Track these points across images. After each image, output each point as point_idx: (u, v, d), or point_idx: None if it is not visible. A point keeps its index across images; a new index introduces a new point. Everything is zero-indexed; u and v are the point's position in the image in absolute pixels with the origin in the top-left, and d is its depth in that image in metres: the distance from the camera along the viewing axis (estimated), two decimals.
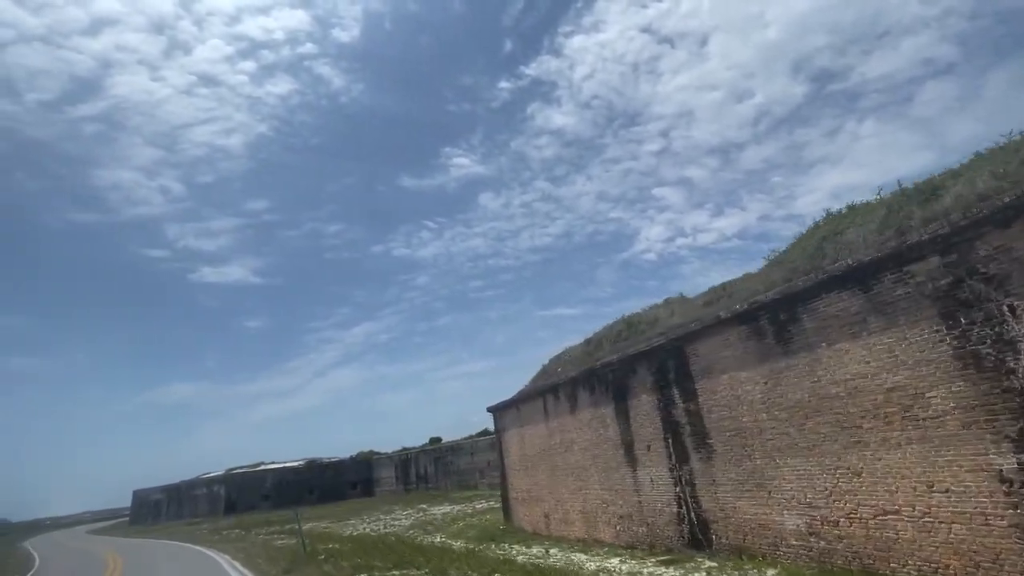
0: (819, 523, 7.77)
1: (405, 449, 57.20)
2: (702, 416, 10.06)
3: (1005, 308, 5.72)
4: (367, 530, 23.93)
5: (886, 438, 6.87)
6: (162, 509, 63.38)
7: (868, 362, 7.07)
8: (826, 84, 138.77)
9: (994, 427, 5.82)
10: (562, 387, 15.29)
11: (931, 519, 6.43)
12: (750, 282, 10.70)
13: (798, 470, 8.09)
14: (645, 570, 9.84)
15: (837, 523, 7.51)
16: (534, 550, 13.78)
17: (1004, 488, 5.75)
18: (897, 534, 6.79)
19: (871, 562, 7.05)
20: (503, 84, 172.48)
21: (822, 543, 7.73)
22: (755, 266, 11.94)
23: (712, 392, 9.83)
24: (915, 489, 6.58)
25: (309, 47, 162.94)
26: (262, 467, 58.27)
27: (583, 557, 12.03)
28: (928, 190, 7.50)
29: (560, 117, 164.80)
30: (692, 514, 10.30)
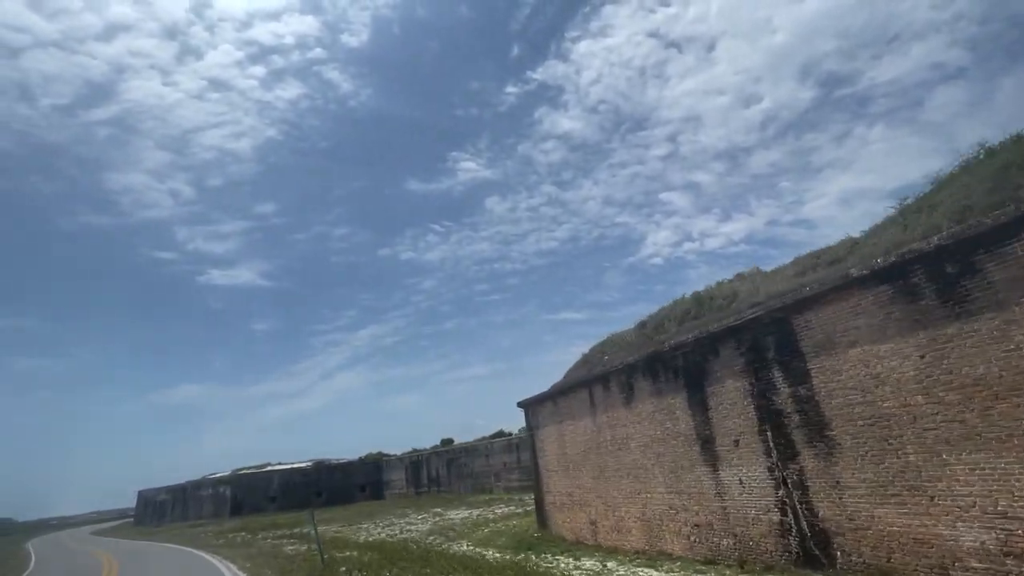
0: (1021, 540, 5.80)
1: (416, 450, 55.30)
2: (818, 402, 8.12)
3: None
4: (383, 535, 22.05)
5: None
6: (167, 510, 61.83)
7: None
8: (835, 89, 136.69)
9: None
10: (614, 376, 13.38)
11: None
12: (871, 242, 8.77)
13: (982, 468, 6.13)
14: None
15: None
16: (587, 563, 11.84)
17: None
18: None
19: None
20: (510, 89, 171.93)
21: None
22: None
23: (834, 372, 7.89)
24: None
25: (318, 52, 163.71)
26: (268, 468, 56.58)
27: (654, 574, 10.09)
28: None
29: (567, 121, 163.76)
30: (803, 524, 8.34)
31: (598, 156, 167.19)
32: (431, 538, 19.83)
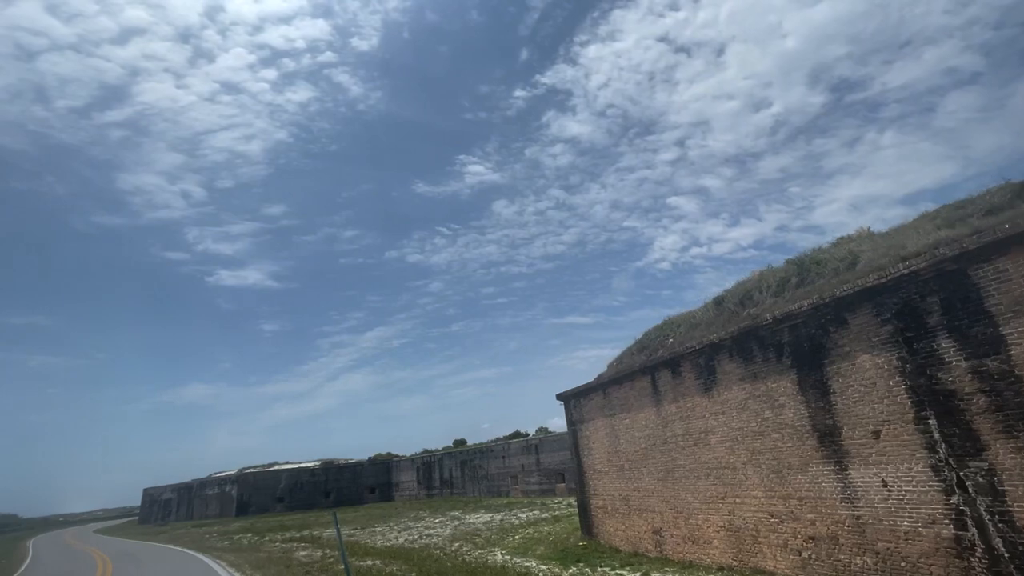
0: None
1: (427, 451, 53.33)
2: (1020, 378, 6.08)
3: None
4: (401, 541, 20.09)
5: None
6: (172, 508, 60.26)
7: None
8: (846, 94, 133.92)
9: None
10: (687, 359, 11.37)
11: None
12: None
13: None
14: None
15: None
16: None
17: None
18: None
19: None
20: (519, 92, 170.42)
21: None
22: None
23: None
24: None
25: (329, 55, 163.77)
26: (276, 467, 54.78)
27: None
28: None
29: (575, 125, 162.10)
30: (994, 540, 6.29)
31: (606, 160, 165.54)
32: (456, 544, 17.86)
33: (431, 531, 22.81)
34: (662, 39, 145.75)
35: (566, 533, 17.65)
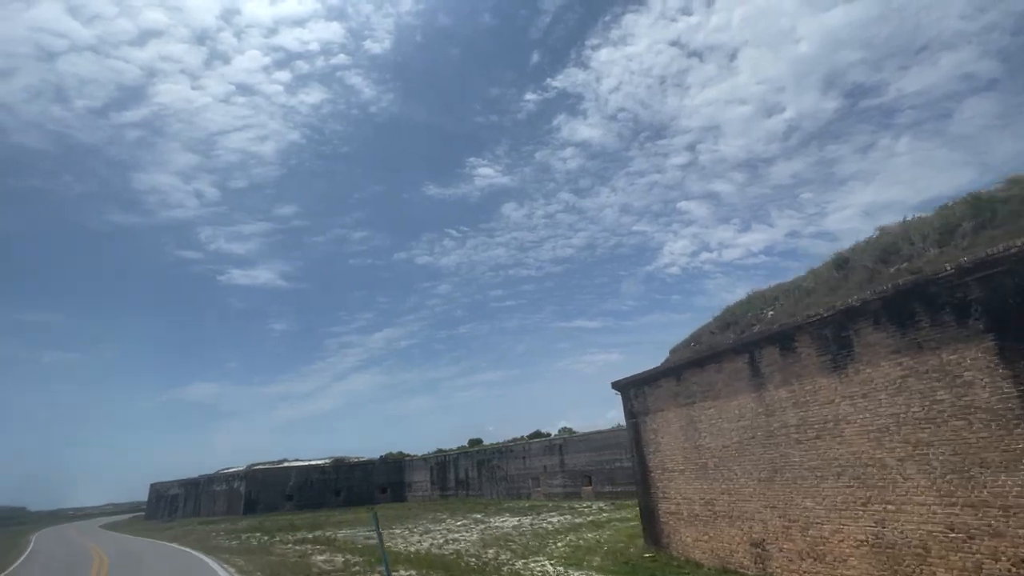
0: None
1: (441, 451, 51.21)
2: None
3: None
4: (427, 545, 17.97)
5: None
6: (179, 504, 58.65)
7: None
8: (860, 99, 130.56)
9: None
10: (806, 330, 9.15)
11: None
12: None
13: None
14: None
15: None
16: None
17: None
18: None
19: None
20: (529, 96, 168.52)
21: None
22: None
23: None
24: None
25: (342, 58, 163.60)
26: (285, 464, 52.95)
27: None
28: None
29: (586, 129, 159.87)
30: None
31: (616, 164, 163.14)
32: (492, 552, 15.71)
33: (456, 535, 20.69)
34: (674, 43, 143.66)
35: (621, 541, 15.43)
